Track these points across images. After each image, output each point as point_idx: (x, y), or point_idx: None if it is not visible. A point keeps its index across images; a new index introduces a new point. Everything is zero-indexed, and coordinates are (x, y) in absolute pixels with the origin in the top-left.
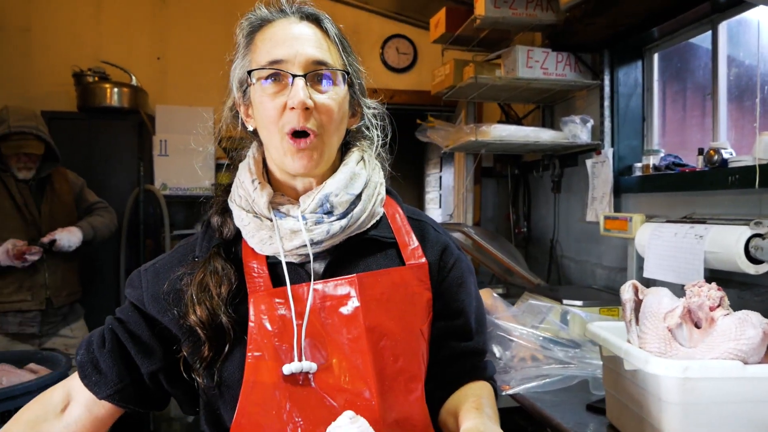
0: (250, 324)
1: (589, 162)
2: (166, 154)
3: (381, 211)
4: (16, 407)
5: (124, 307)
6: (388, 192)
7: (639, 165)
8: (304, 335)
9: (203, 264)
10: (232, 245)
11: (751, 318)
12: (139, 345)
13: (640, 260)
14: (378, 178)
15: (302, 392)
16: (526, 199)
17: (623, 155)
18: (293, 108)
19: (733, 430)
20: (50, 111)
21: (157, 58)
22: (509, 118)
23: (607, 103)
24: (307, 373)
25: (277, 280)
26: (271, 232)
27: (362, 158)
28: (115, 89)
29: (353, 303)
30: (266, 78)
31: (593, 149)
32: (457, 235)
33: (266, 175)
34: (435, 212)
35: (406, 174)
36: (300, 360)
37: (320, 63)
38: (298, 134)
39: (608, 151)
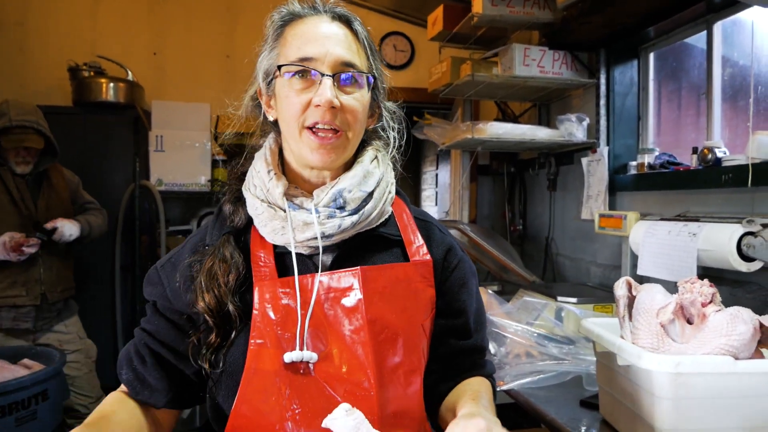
0: (254, 312)
1: (584, 160)
2: (162, 150)
3: (390, 210)
4: (9, 403)
5: (149, 316)
6: (396, 192)
7: (634, 163)
8: (307, 325)
9: (213, 251)
10: (242, 234)
11: (742, 314)
12: (175, 352)
13: (634, 258)
14: (390, 178)
15: (302, 381)
16: (521, 197)
17: (618, 154)
18: (318, 105)
19: (725, 425)
20: (45, 105)
21: (154, 54)
22: (506, 116)
23: (603, 101)
24: (308, 362)
25: (282, 270)
26: (283, 223)
27: (376, 157)
28: (111, 84)
29: (356, 295)
30: (294, 74)
31: (589, 147)
32: (453, 232)
33: (281, 166)
34: (431, 210)
35: (402, 171)
36: (302, 349)
37: (348, 64)
38: (320, 130)
39: (604, 149)
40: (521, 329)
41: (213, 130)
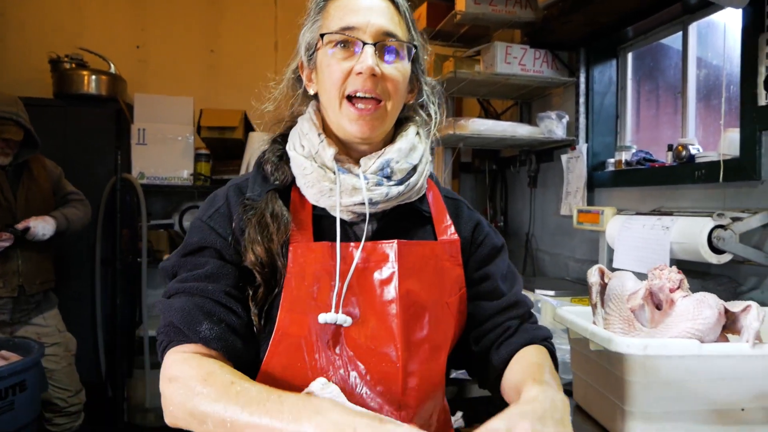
0: (288, 273)
1: (564, 157)
2: (144, 143)
3: (426, 185)
4: None
5: (211, 266)
6: None
7: (612, 160)
8: (345, 291)
9: (262, 206)
10: (283, 193)
11: (707, 299)
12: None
13: (611, 252)
14: (428, 156)
15: (332, 343)
16: (503, 194)
17: (597, 151)
18: (359, 73)
19: (692, 407)
20: (26, 97)
21: (137, 47)
22: (488, 113)
23: (582, 100)
24: (340, 326)
25: (318, 234)
26: (332, 185)
27: (418, 133)
28: (93, 77)
29: (391, 267)
30: (336, 43)
31: (568, 145)
32: None
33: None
34: None
35: None
36: (337, 312)
37: (390, 34)
38: (360, 99)
39: (582, 146)
40: None
41: (196, 123)
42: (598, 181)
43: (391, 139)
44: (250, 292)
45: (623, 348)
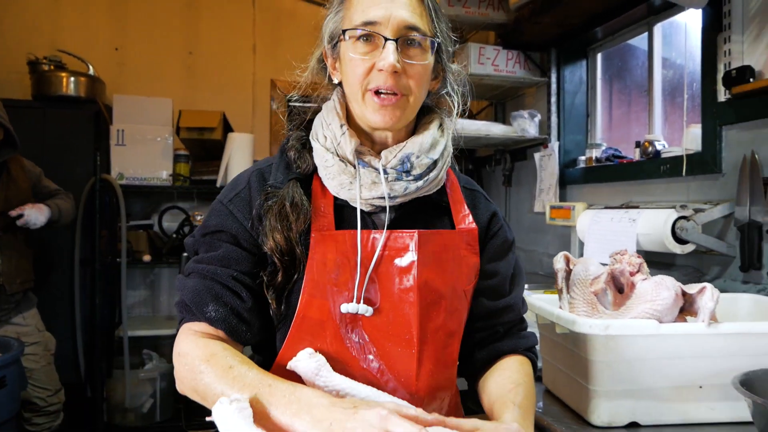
0: (310, 259)
1: (537, 155)
2: (123, 144)
3: (446, 177)
4: None
5: (224, 249)
6: None
7: (583, 158)
8: (367, 279)
9: (283, 194)
10: (305, 182)
11: (665, 281)
12: (259, 285)
13: (582, 246)
14: (450, 147)
15: (350, 328)
16: None
17: (569, 149)
18: (381, 70)
19: (651, 384)
20: (3, 99)
21: (116, 49)
22: (463, 113)
23: (554, 99)
24: (362, 314)
25: (338, 222)
26: (352, 178)
27: (441, 125)
28: (72, 78)
29: (411, 256)
30: (358, 38)
31: (541, 143)
32: None
33: (348, 120)
34: None
35: None
36: (358, 302)
37: (412, 27)
38: (383, 92)
39: (554, 144)
40: None
41: (175, 124)
42: (569, 178)
43: (413, 128)
44: (267, 278)
45: (586, 329)
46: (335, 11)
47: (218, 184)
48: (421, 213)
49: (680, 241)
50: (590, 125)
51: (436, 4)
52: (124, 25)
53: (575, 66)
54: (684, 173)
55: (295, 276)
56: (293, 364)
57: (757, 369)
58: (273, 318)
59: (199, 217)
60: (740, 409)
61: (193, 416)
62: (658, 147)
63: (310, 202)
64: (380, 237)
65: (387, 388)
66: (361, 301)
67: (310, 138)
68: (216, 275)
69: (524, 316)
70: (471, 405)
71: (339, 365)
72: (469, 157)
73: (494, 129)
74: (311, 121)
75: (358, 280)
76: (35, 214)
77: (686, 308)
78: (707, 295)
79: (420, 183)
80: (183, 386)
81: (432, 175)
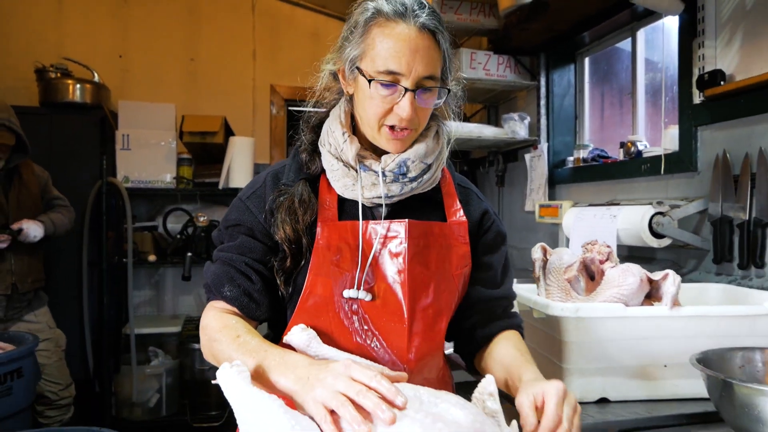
0: (316, 244)
1: (527, 156)
2: (128, 149)
3: (440, 176)
4: None
5: (240, 240)
6: None
7: (571, 158)
8: (370, 264)
9: (293, 192)
10: (314, 180)
11: (631, 268)
12: (270, 271)
13: (569, 242)
14: (445, 151)
15: (350, 307)
16: None
17: (558, 150)
18: (399, 115)
19: (620, 363)
20: (12, 106)
21: (119, 56)
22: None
23: (543, 102)
24: (361, 299)
25: (341, 214)
26: (354, 181)
27: (437, 132)
28: (78, 85)
29: (402, 243)
30: (381, 84)
31: (531, 144)
32: None
33: (352, 127)
34: None
35: None
36: (359, 288)
37: (429, 78)
38: (396, 128)
39: (544, 146)
40: None
41: (178, 129)
42: (558, 177)
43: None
44: (277, 264)
45: (558, 311)
46: (357, 42)
47: (220, 186)
48: (415, 206)
49: (657, 235)
50: (578, 127)
51: (450, 50)
52: (128, 33)
53: (564, 70)
54: (662, 172)
55: (302, 262)
56: (288, 338)
57: (715, 348)
58: (282, 298)
59: (202, 218)
60: (701, 386)
61: (197, 411)
62: (640, 147)
63: (317, 199)
64: (377, 227)
65: (383, 360)
66: (362, 288)
67: (319, 144)
68: (232, 261)
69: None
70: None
71: (340, 339)
72: (464, 159)
73: (486, 131)
74: (321, 125)
75: (359, 270)
76: (33, 228)
77: (653, 294)
78: (669, 281)
79: (414, 184)
80: (205, 352)
81: (426, 177)
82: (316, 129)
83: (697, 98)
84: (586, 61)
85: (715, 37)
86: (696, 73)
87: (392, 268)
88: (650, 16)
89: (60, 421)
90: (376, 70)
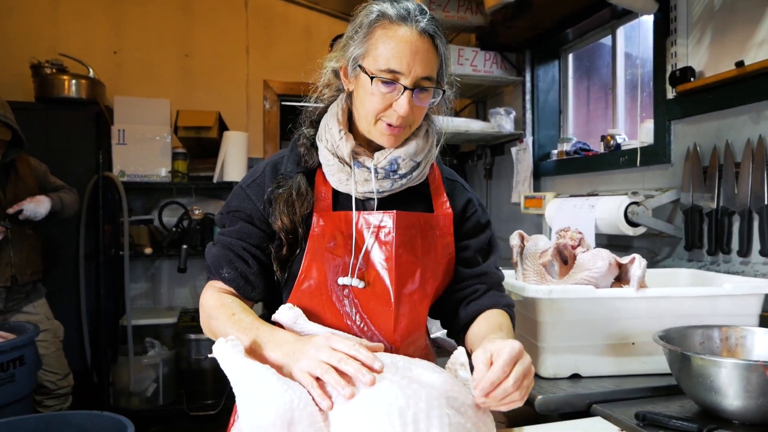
0: (312, 232)
1: (513, 149)
2: (124, 143)
3: (428, 172)
4: None
5: (240, 226)
6: None
7: (555, 151)
8: (363, 254)
9: (290, 184)
10: (311, 173)
11: (601, 253)
12: (267, 256)
13: (551, 231)
14: (434, 149)
15: (342, 291)
16: None
17: (542, 143)
18: (396, 112)
19: (591, 341)
20: (7, 101)
21: (114, 52)
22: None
23: (528, 97)
24: (354, 286)
25: (335, 205)
26: (348, 176)
27: (427, 131)
28: (73, 81)
29: (390, 232)
30: (382, 81)
31: (517, 138)
32: None
33: (349, 123)
34: None
35: None
36: (353, 276)
37: (426, 78)
38: (393, 125)
39: (529, 139)
40: None
41: (173, 124)
42: (543, 170)
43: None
44: (274, 250)
45: (532, 293)
46: (360, 41)
47: (215, 180)
48: (405, 199)
49: (632, 224)
50: (562, 121)
51: (447, 54)
52: (122, 30)
53: (548, 66)
54: (639, 164)
55: (297, 250)
56: (276, 316)
57: (678, 326)
58: (277, 282)
59: (197, 211)
60: (665, 362)
61: (194, 399)
62: (619, 140)
63: (314, 191)
64: (369, 218)
65: (371, 340)
66: (355, 275)
67: (316, 139)
68: (231, 245)
69: None
70: None
71: (332, 321)
72: (453, 153)
73: (474, 125)
74: (319, 120)
75: (352, 259)
76: (33, 208)
77: (622, 277)
78: (636, 264)
79: (404, 180)
80: (204, 328)
81: (415, 173)
82: (315, 124)
83: (670, 94)
84: (570, 57)
85: (686, 35)
86: (669, 69)
87: (381, 256)
88: (630, 14)
89: (59, 410)
90: (378, 69)
